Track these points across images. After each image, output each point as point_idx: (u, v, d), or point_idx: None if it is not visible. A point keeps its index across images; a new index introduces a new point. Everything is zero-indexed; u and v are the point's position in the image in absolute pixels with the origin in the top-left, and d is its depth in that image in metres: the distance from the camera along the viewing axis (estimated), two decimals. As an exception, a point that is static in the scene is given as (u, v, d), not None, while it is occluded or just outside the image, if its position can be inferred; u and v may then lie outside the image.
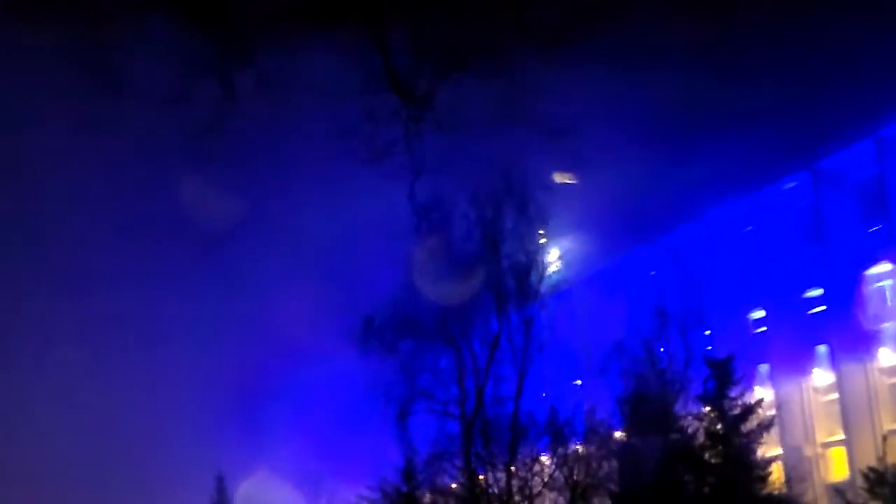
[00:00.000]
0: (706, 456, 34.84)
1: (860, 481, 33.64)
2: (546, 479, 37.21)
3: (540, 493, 37.16)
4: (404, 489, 39.90)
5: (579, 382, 44.23)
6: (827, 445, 52.97)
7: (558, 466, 37.17)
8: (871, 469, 32.94)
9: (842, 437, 52.11)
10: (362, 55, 15.08)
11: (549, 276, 41.53)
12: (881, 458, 33.12)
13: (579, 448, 37.47)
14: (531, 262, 39.86)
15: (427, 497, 39.72)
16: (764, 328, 56.58)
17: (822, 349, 54.21)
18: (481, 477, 37.82)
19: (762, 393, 40.49)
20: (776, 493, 34.68)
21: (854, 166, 53.29)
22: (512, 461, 37.02)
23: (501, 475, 37.19)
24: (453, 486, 39.40)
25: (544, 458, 37.71)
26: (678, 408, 36.29)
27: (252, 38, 15.36)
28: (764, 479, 35.10)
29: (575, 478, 36.66)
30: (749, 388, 36.89)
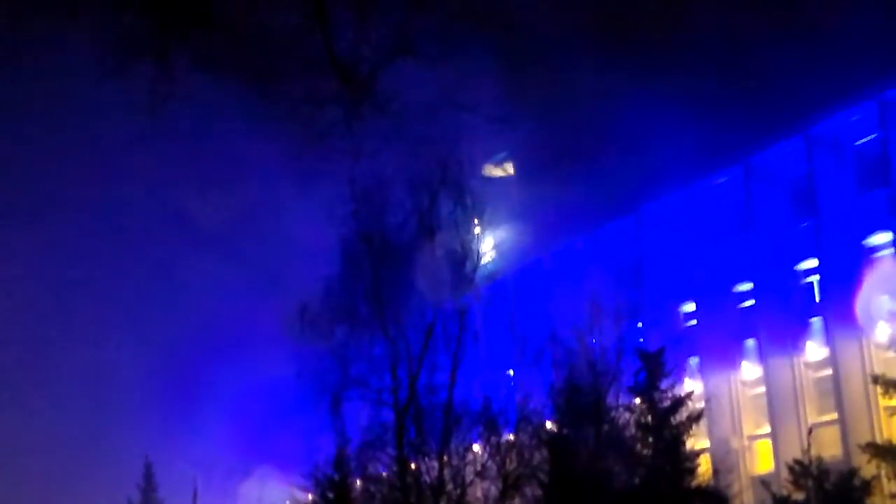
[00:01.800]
0: (636, 447, 34.96)
1: (785, 474, 33.94)
2: (479, 468, 37.12)
3: (472, 482, 37.06)
4: (336, 477, 39.62)
5: (512, 372, 44.03)
6: (754, 438, 53.55)
7: (491, 456, 37.07)
8: (797, 461, 33.33)
9: (768, 429, 52.75)
10: (302, 35, 14.69)
11: (484, 265, 41.51)
12: (806, 451, 33.38)
13: (511, 437, 37.38)
14: (466, 251, 39.73)
15: (359, 485, 39.44)
16: (694, 321, 57.06)
17: (750, 343, 54.81)
18: (413, 466, 37.63)
19: (692, 385, 40.82)
20: (704, 484, 34.90)
21: (785, 163, 53.88)
22: (444, 450, 36.87)
23: (434, 464, 37.06)
24: (384, 474, 39.17)
25: (477, 448, 37.62)
26: (610, 399, 36.41)
27: (188, 15, 14.91)
28: (692, 470, 35.35)
29: (507, 467, 36.64)
30: (679, 380, 37.15)
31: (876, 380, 35.21)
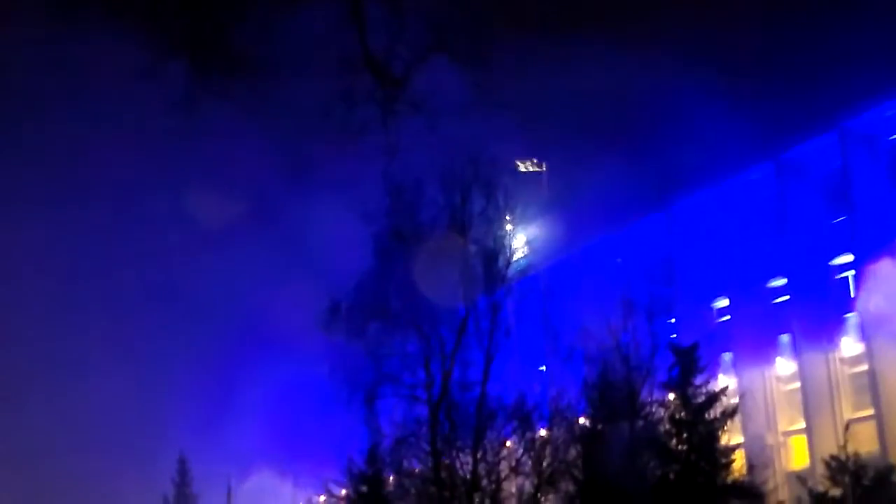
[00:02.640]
0: (671, 443, 34.85)
1: (821, 469, 33.77)
2: (513, 464, 37.20)
3: (507, 477, 37.14)
4: (369, 472, 39.81)
5: (544, 368, 44.12)
6: (788, 434, 53.32)
7: (525, 451, 37.14)
8: (833, 457, 33.12)
9: (803, 425, 52.46)
10: (339, 33, 14.83)
11: (517, 261, 41.57)
12: (842, 447, 33.18)
13: (545, 433, 37.41)
14: (498, 247, 39.80)
15: (392, 480, 39.61)
16: (728, 317, 56.84)
17: (784, 338, 54.53)
18: (447, 461, 37.70)
19: (726, 381, 40.63)
20: (739, 480, 34.73)
21: (818, 158, 53.53)
22: (478, 445, 36.95)
23: (468, 459, 37.13)
24: (418, 469, 39.30)
25: (511, 443, 37.68)
26: (643, 394, 36.32)
27: (225, 15, 15.07)
28: (727, 466, 35.20)
29: (541, 463, 36.68)
30: (713, 376, 36.97)
31: None
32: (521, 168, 54.22)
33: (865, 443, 41.09)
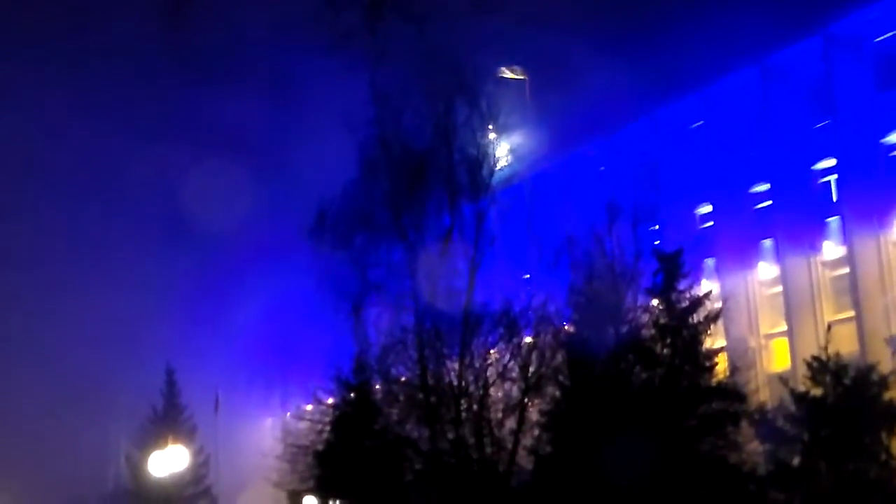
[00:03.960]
0: (655, 347, 35.05)
1: (802, 370, 34.10)
2: (500, 370, 37.43)
3: (494, 383, 37.41)
4: (357, 380, 40.05)
5: (530, 276, 44.22)
6: (770, 336, 54.01)
7: (512, 357, 37.37)
8: (814, 358, 33.30)
9: (785, 328, 53.14)
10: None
11: (501, 170, 41.44)
12: (823, 348, 33.41)
13: (531, 339, 37.60)
14: (482, 155, 39.60)
15: (380, 387, 39.87)
16: (711, 223, 57.14)
17: (767, 243, 54.97)
18: (434, 368, 37.97)
19: (709, 286, 40.68)
20: (722, 382, 35.07)
21: (801, 63, 53.35)
22: (465, 352, 37.19)
23: (455, 366, 37.40)
24: (405, 377, 39.53)
25: (497, 350, 37.92)
26: (628, 300, 36.41)
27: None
28: (710, 369, 35.44)
29: (528, 368, 36.93)
30: (696, 281, 37.02)
31: None
32: (504, 74, 53.71)
33: (846, 344, 41.45)
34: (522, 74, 58.52)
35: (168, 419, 69.44)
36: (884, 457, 31.26)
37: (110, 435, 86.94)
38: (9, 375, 78.35)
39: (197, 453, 69.13)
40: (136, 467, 68.81)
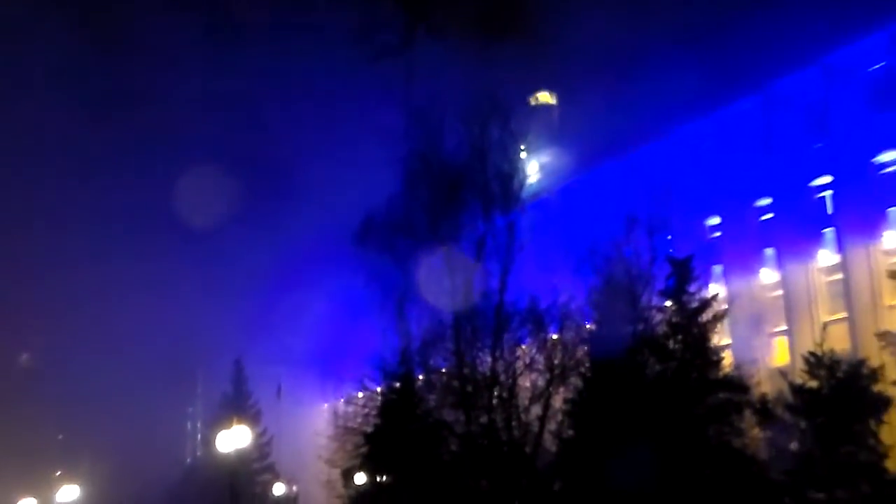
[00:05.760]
0: (668, 343, 34.76)
1: (800, 365, 33.62)
2: (527, 362, 37.24)
3: (522, 373, 37.22)
4: (401, 370, 39.93)
5: (554, 279, 43.90)
6: (772, 335, 53.45)
7: (538, 350, 37.16)
8: (811, 353, 32.90)
9: (785, 327, 52.65)
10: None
11: (530, 184, 41.34)
12: (819, 345, 33.02)
13: (556, 336, 37.37)
14: (514, 171, 39.54)
15: (421, 377, 39.75)
16: (719, 233, 56.80)
17: (769, 251, 54.64)
18: (469, 360, 37.81)
19: (716, 289, 40.26)
20: (728, 375, 34.66)
21: (802, 90, 52.87)
22: (497, 345, 37.04)
23: (488, 358, 37.26)
24: (443, 368, 39.43)
25: (525, 345, 37.73)
26: (643, 301, 36.12)
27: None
28: (717, 363, 35.12)
29: (553, 361, 36.71)
30: (705, 285, 36.69)
31: (892, 275, 34.26)
32: (533, 101, 53.54)
33: (839, 342, 40.90)
34: (552, 99, 58.15)
35: (236, 404, 69.74)
36: (872, 442, 30.88)
37: (187, 417, 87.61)
38: (99, 366, 79.05)
39: (261, 434, 69.37)
40: (209, 445, 69.07)
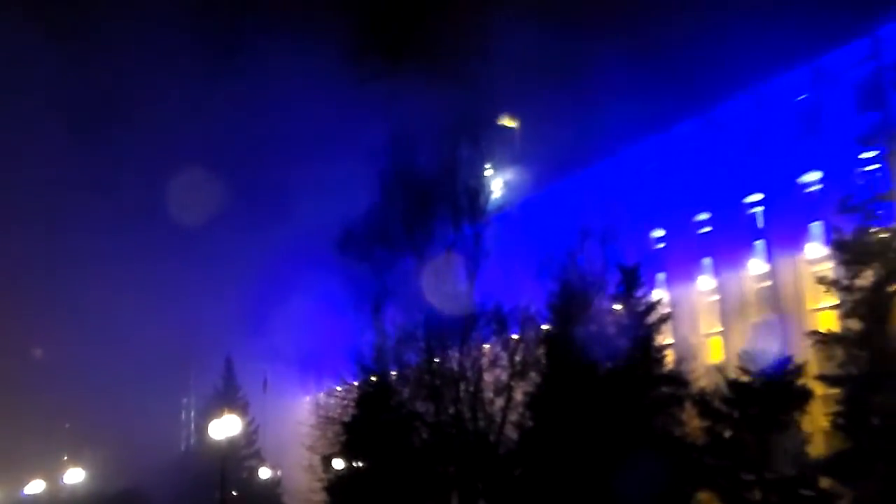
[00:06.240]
0: (617, 343, 34.72)
1: (734, 362, 33.79)
2: (491, 359, 37.05)
3: (487, 369, 37.04)
4: (376, 366, 39.66)
5: (516, 284, 43.76)
6: (709, 335, 53.59)
7: (502, 348, 37.00)
8: (744, 351, 33.12)
9: (720, 328, 52.81)
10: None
11: (495, 199, 41.24)
12: (752, 343, 33.31)
13: (517, 336, 37.23)
14: (480, 186, 39.43)
15: (395, 372, 39.47)
16: (663, 244, 56.79)
17: (706, 261, 54.74)
18: (438, 357, 37.59)
19: (660, 294, 40.46)
20: (670, 371, 34.74)
21: (738, 117, 53.08)
22: (464, 344, 36.85)
23: (456, 355, 37.05)
24: (415, 363, 39.17)
25: (489, 343, 37.55)
26: (596, 305, 36.05)
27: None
28: (661, 360, 35.25)
29: (514, 358, 36.56)
30: (650, 290, 36.80)
31: (821, 280, 34.37)
32: (501, 122, 53.49)
33: (767, 341, 41.12)
34: (514, 123, 58.09)
35: (226, 396, 68.92)
36: (796, 430, 31.16)
37: (182, 408, 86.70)
38: (102, 361, 78.15)
39: (249, 423, 68.57)
40: (201, 433, 68.27)
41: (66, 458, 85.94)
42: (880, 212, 31.05)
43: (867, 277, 30.88)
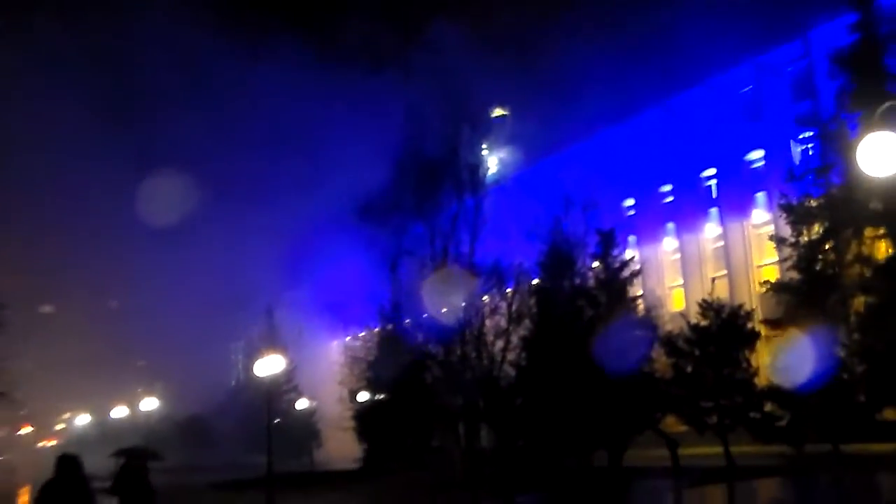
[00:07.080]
0: (597, 294, 34.43)
1: (695, 309, 33.45)
2: (492, 308, 36.78)
3: (488, 316, 36.79)
4: (393, 315, 39.41)
5: (511, 245, 43.29)
6: (672, 287, 53.48)
7: (500, 299, 36.72)
8: (703, 300, 32.77)
9: (682, 282, 52.66)
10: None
11: (491, 174, 40.80)
12: (708, 294, 33.05)
13: (512, 289, 36.89)
14: (479, 163, 38.97)
15: (408, 320, 39.23)
16: (633, 212, 56.49)
17: (670, 225, 54.56)
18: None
19: (632, 253, 39.88)
20: (642, 317, 34.44)
21: (695, 106, 52.49)
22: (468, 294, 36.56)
23: (461, 304, 36.74)
24: (426, 313, 38.82)
25: (489, 295, 37.22)
26: (579, 263, 35.69)
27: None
28: (634, 308, 34.91)
29: (511, 307, 36.26)
30: (623, 250, 36.31)
31: (773, 238, 34.06)
32: (495, 111, 52.82)
33: (722, 292, 40.77)
34: (506, 111, 57.26)
35: (268, 339, 68.66)
36: (745, 365, 30.94)
37: (231, 350, 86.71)
38: (168, 309, 78.40)
39: (288, 363, 68.34)
40: (248, 370, 68.23)
41: (140, 390, 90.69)
42: (821, 181, 30.79)
43: (809, 235, 30.71)
